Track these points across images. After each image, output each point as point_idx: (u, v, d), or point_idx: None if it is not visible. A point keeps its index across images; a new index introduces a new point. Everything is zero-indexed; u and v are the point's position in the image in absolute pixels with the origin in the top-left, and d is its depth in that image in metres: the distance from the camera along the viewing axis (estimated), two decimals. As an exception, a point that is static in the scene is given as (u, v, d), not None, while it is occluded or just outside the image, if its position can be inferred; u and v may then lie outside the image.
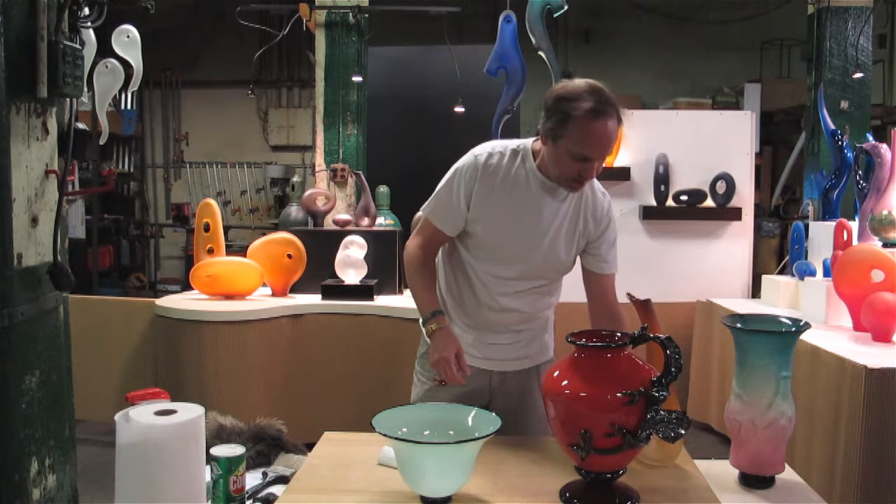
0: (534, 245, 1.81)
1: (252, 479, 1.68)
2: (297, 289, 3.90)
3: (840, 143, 3.94)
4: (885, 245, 3.17)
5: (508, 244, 1.81)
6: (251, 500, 1.62)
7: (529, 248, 1.81)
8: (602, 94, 1.65)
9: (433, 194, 1.87)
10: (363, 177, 4.22)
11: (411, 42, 5.45)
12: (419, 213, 1.92)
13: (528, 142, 1.83)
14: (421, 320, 1.83)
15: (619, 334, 1.41)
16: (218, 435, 1.80)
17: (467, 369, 1.73)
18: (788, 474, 1.64)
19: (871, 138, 3.82)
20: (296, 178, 4.67)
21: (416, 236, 1.91)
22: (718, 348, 3.94)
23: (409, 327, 3.46)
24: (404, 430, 1.38)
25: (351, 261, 3.81)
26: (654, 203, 4.45)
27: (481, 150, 1.84)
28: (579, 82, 1.69)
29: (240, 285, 3.75)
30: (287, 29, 4.74)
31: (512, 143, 1.84)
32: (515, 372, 1.89)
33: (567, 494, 1.37)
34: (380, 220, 4.19)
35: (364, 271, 3.82)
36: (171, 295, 4.32)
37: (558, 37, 7.31)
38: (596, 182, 1.90)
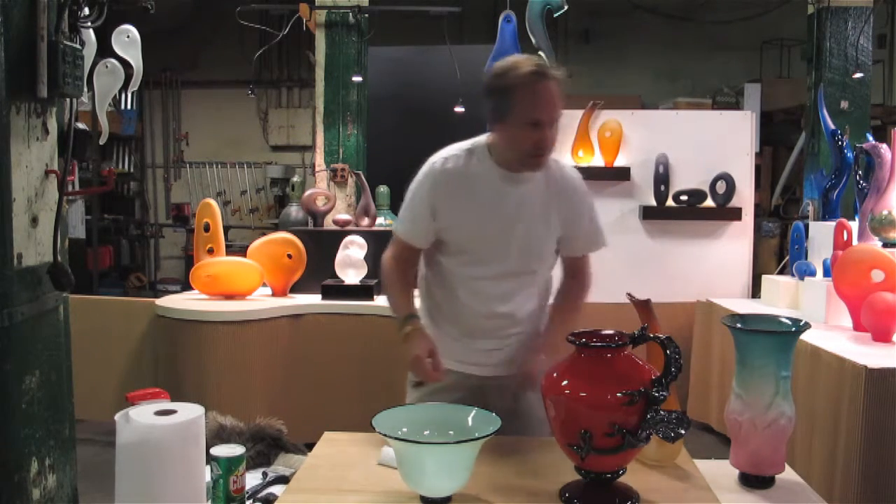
0: (508, 238, 1.79)
1: (252, 479, 1.68)
2: (297, 289, 3.90)
3: (840, 143, 3.94)
4: (885, 245, 3.17)
5: (483, 243, 1.81)
6: (251, 500, 1.62)
7: (505, 243, 1.80)
8: (535, 59, 1.70)
9: (401, 209, 1.89)
10: (363, 177, 4.22)
11: (411, 42, 5.45)
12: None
13: (481, 139, 1.84)
14: (397, 326, 1.82)
15: (618, 334, 1.41)
16: (218, 435, 1.80)
17: (441, 366, 1.73)
18: (788, 474, 1.64)
19: (871, 138, 3.82)
20: (296, 178, 4.67)
21: (389, 248, 1.93)
22: (718, 348, 3.94)
23: (409, 327, 3.46)
24: (404, 430, 1.38)
25: (351, 261, 3.81)
26: (654, 203, 4.45)
27: (436, 157, 1.84)
28: (509, 58, 1.74)
29: (240, 285, 3.75)
30: (287, 29, 4.74)
31: (465, 144, 1.85)
32: (510, 376, 1.85)
33: (567, 494, 1.37)
34: (380, 220, 4.19)
35: (364, 271, 3.82)
36: (171, 295, 4.32)
37: (558, 37, 7.30)
38: (564, 162, 1.91)
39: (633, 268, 4.37)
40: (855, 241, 3.36)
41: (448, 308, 1.88)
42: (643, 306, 1.62)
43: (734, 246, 4.51)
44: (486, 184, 1.79)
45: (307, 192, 4.21)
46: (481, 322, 1.84)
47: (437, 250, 1.87)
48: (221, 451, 1.46)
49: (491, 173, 1.79)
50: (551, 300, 1.97)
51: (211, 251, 3.82)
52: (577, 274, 1.95)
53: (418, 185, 1.84)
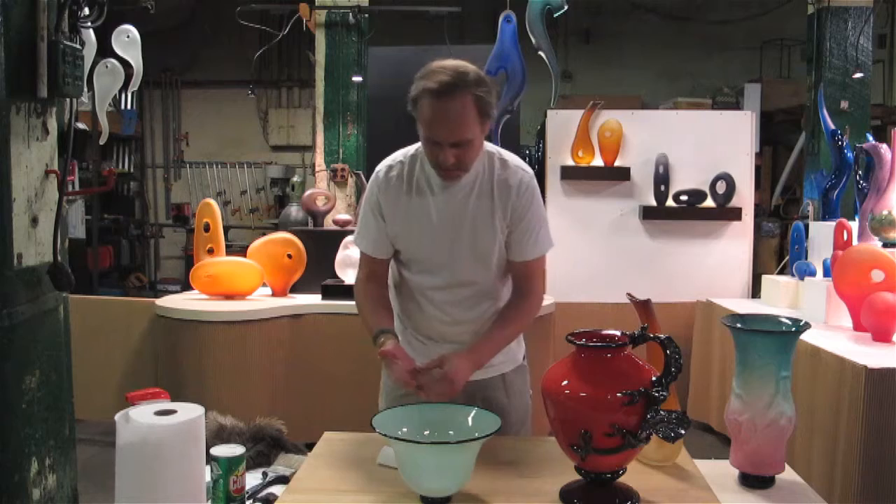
0: (456, 244, 1.75)
1: (252, 479, 1.68)
2: (297, 289, 3.90)
3: (840, 143, 3.94)
4: (885, 245, 3.17)
5: (431, 250, 1.77)
6: (251, 500, 1.62)
7: (453, 249, 1.75)
8: (446, 72, 1.58)
9: (356, 227, 1.87)
10: (363, 177, 4.22)
11: (411, 42, 5.45)
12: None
13: None
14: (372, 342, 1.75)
15: (618, 334, 1.41)
16: (218, 435, 1.80)
17: (411, 364, 1.64)
18: (788, 474, 1.64)
19: (871, 138, 3.82)
20: (296, 178, 4.68)
21: (358, 271, 1.88)
22: (718, 348, 3.94)
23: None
24: (404, 430, 1.38)
25: (351, 261, 3.80)
26: (654, 203, 4.45)
27: (381, 165, 1.82)
28: (434, 63, 1.64)
29: (240, 285, 3.75)
30: (287, 29, 4.75)
31: (410, 150, 1.80)
32: (475, 381, 1.76)
33: (567, 494, 1.37)
34: (380, 220, 4.18)
35: (364, 271, 3.81)
36: (171, 295, 4.32)
37: (558, 37, 7.31)
38: (512, 160, 1.79)
39: (633, 268, 4.37)
40: (855, 241, 3.36)
41: (411, 315, 1.85)
42: (643, 306, 1.62)
43: (734, 246, 4.51)
44: (428, 190, 1.75)
45: (307, 192, 4.21)
46: (442, 328, 1.81)
47: (395, 260, 1.85)
48: (221, 451, 1.46)
49: (431, 179, 1.74)
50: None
51: (211, 251, 3.82)
52: (523, 285, 1.82)
53: (367, 195, 1.82)
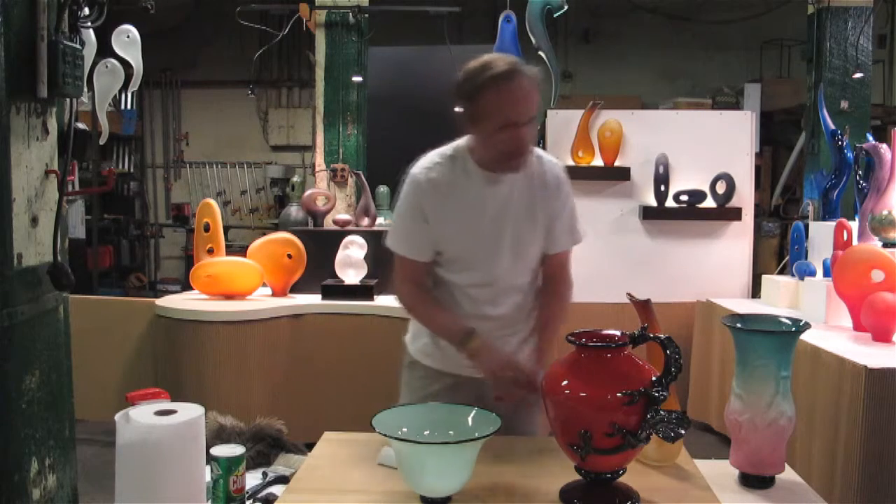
0: (499, 241, 1.77)
1: (252, 479, 1.68)
2: (297, 289, 3.90)
3: (840, 143, 3.94)
4: (885, 245, 3.17)
5: (475, 249, 1.78)
6: (251, 500, 1.62)
7: (495, 247, 1.78)
8: (506, 58, 1.66)
9: (390, 231, 1.84)
10: (363, 177, 4.22)
11: (411, 42, 5.45)
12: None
13: (461, 142, 1.81)
14: (456, 348, 1.75)
15: (619, 334, 1.41)
16: (218, 435, 1.80)
17: (530, 378, 1.67)
18: (788, 474, 1.64)
19: (871, 138, 3.82)
20: (296, 178, 4.67)
21: (397, 278, 1.86)
22: (718, 348, 3.94)
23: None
24: (404, 430, 1.38)
25: (351, 261, 3.81)
26: (654, 203, 4.45)
27: (417, 167, 1.80)
28: (480, 58, 1.68)
29: (240, 285, 3.75)
30: (287, 29, 4.74)
31: (447, 150, 1.81)
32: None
33: (567, 494, 1.37)
34: (380, 220, 4.19)
35: (364, 271, 3.82)
36: (171, 295, 4.32)
37: (558, 37, 7.30)
38: (545, 155, 1.85)
39: (633, 268, 4.37)
40: (855, 241, 3.36)
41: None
42: (643, 306, 1.62)
43: (734, 246, 4.51)
44: (471, 189, 1.76)
45: (307, 192, 4.22)
46: (475, 324, 1.81)
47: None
48: (221, 451, 1.46)
49: (474, 177, 1.76)
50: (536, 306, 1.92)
51: (211, 251, 3.82)
52: (558, 274, 1.89)
53: (405, 198, 1.80)
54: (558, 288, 1.90)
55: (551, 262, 1.88)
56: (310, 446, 1.71)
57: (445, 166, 1.78)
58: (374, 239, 3.93)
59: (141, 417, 1.35)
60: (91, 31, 1.79)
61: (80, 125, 1.65)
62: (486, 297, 1.82)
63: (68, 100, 1.60)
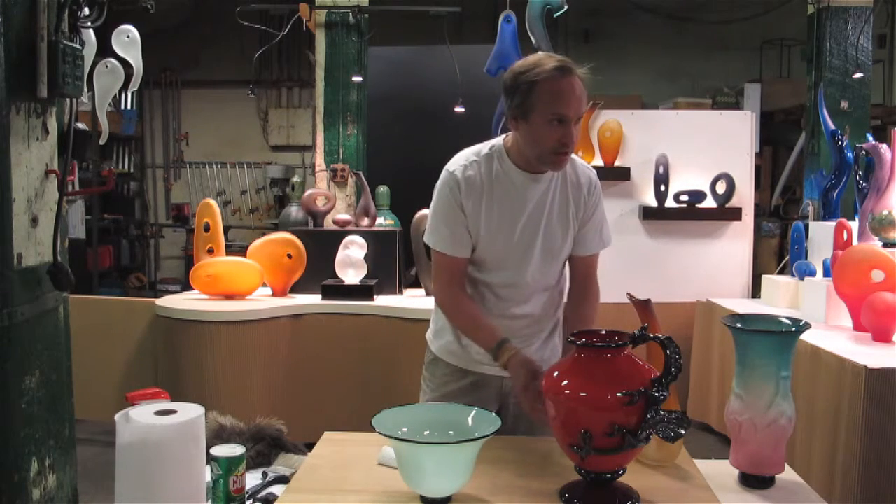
0: (533, 241, 1.79)
1: (252, 479, 1.68)
2: (297, 289, 3.90)
3: (840, 143, 3.94)
4: (885, 245, 3.17)
5: (509, 249, 1.79)
6: (251, 500, 1.62)
7: (529, 246, 1.79)
8: (558, 57, 1.68)
9: (429, 228, 1.82)
10: (363, 177, 4.22)
11: (411, 42, 5.44)
12: (428, 240, 1.83)
13: (496, 141, 1.81)
14: (491, 357, 1.74)
15: (618, 334, 1.41)
16: (218, 435, 1.80)
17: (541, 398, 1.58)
18: (788, 474, 1.64)
19: (871, 138, 3.82)
20: (296, 178, 4.67)
21: (437, 279, 1.84)
22: (718, 348, 3.94)
23: (409, 327, 3.46)
24: (404, 430, 1.38)
25: (351, 261, 3.81)
26: (654, 203, 4.45)
27: (453, 164, 1.80)
28: (531, 56, 1.71)
29: (240, 285, 3.75)
30: (287, 29, 4.74)
31: (483, 148, 1.81)
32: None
33: (567, 494, 1.37)
34: (380, 220, 4.18)
35: (364, 271, 3.82)
36: (171, 295, 4.32)
37: (558, 37, 7.29)
38: (577, 159, 1.89)
39: (633, 268, 4.37)
40: (855, 241, 3.36)
41: None
42: (643, 306, 1.62)
43: (734, 246, 4.51)
44: (509, 187, 1.76)
45: (307, 192, 4.21)
46: (501, 323, 1.81)
47: None
48: (221, 451, 1.46)
49: (511, 176, 1.76)
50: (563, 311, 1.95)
51: (211, 251, 3.82)
52: (586, 279, 1.92)
53: (442, 195, 1.79)
54: (587, 296, 1.93)
55: (579, 265, 1.90)
56: (310, 446, 1.71)
57: (482, 164, 1.78)
58: (374, 239, 3.93)
59: (141, 417, 1.35)
60: (91, 31, 1.79)
61: (80, 125, 1.65)
62: (514, 297, 1.82)
63: (68, 100, 1.60)
